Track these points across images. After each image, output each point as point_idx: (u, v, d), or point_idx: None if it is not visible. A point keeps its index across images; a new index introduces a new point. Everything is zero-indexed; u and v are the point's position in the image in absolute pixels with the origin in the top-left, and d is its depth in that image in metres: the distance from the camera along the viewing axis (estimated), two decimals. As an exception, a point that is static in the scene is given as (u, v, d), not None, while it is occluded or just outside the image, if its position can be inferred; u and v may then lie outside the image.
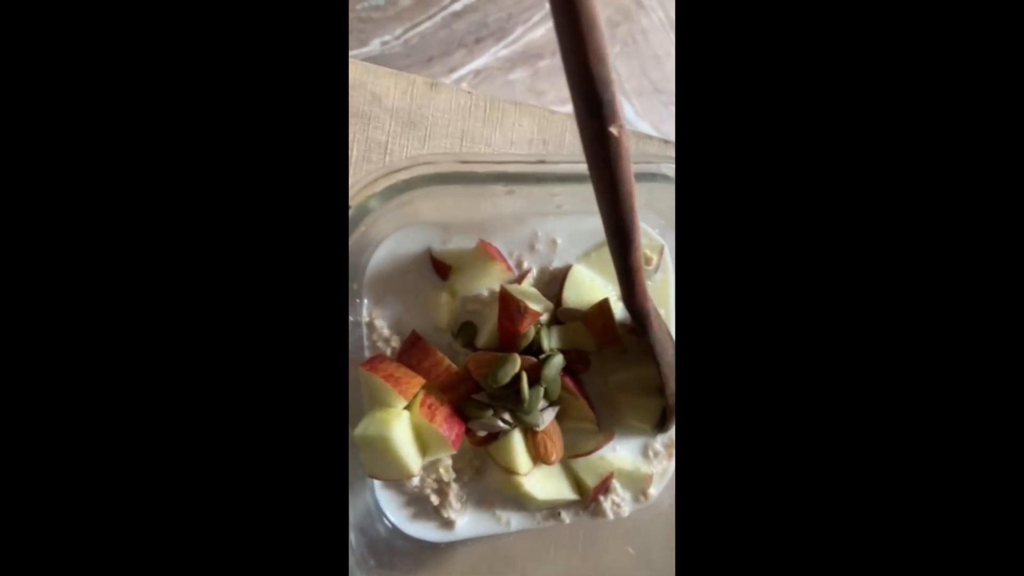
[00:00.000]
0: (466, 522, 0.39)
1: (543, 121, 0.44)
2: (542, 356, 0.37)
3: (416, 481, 0.38)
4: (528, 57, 1.17)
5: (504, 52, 1.18)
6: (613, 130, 0.28)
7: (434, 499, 0.39)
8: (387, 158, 0.42)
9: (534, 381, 0.36)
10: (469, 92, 0.43)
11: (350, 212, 0.31)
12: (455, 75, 1.15)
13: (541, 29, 1.17)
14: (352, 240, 0.32)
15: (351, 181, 0.36)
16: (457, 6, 1.17)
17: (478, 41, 1.18)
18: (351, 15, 1.15)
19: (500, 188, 0.33)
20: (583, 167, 0.30)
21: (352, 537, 0.36)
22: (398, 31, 1.15)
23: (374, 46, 1.15)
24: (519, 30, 1.18)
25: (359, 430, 0.34)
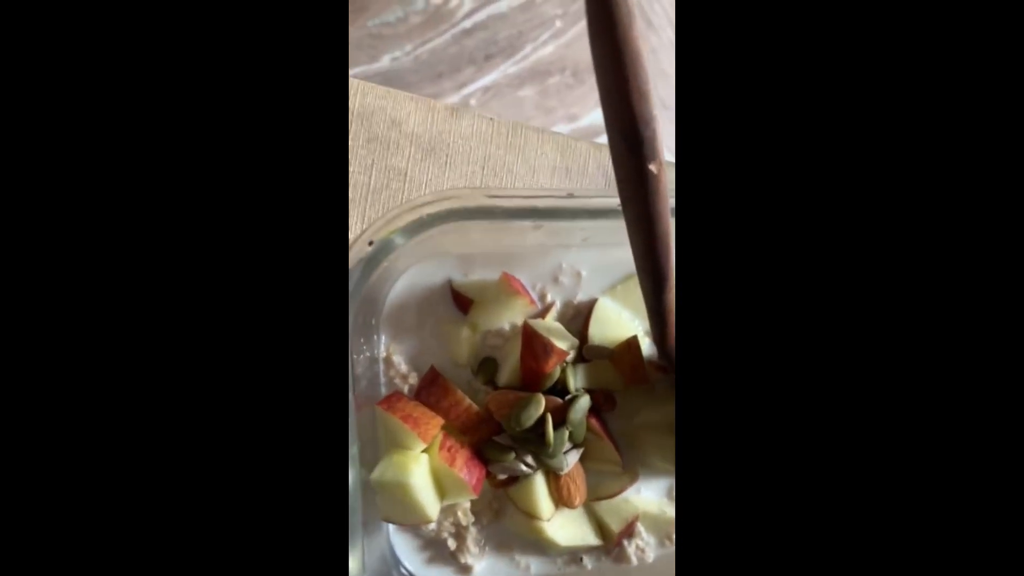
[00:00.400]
0: (484, 567, 0.38)
1: (566, 149, 0.43)
2: (568, 397, 0.35)
3: (433, 525, 0.36)
4: (537, 74, 1.17)
5: (513, 69, 1.18)
6: (652, 168, 0.26)
7: (451, 543, 0.37)
8: (407, 185, 0.40)
9: (559, 423, 0.34)
10: (491, 119, 0.42)
11: (371, 247, 0.30)
12: (464, 91, 1.15)
13: (551, 46, 1.17)
14: (375, 276, 0.31)
15: (371, 211, 0.34)
16: (467, 23, 1.17)
17: (488, 58, 1.18)
18: (363, 32, 1.15)
19: (527, 224, 0.31)
20: (613, 201, 0.28)
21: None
22: (408, 47, 1.15)
23: (384, 62, 1.15)
24: (528, 47, 1.18)
25: (376, 474, 0.33)
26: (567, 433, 0.34)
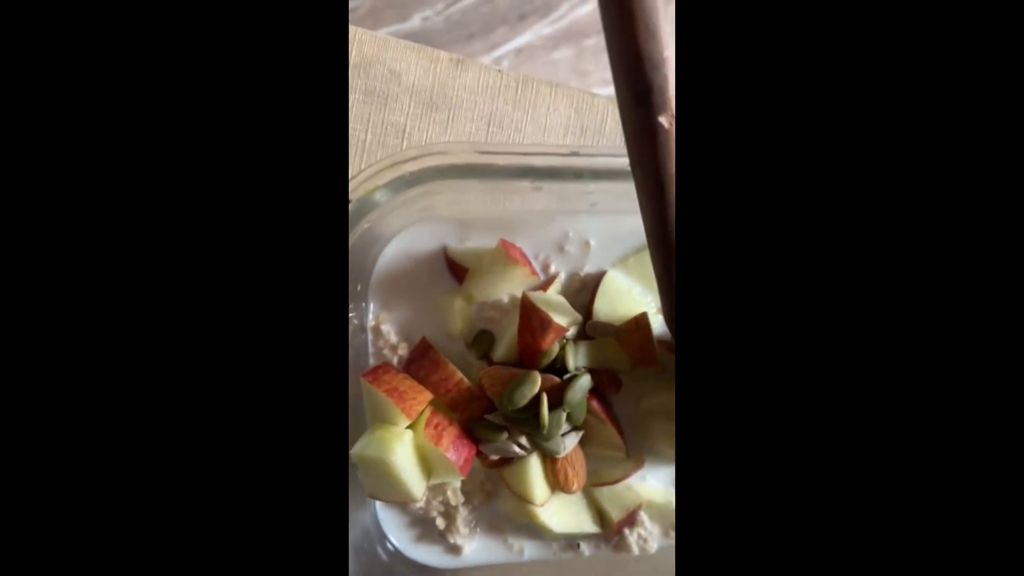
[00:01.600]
0: (474, 548, 0.36)
1: (581, 105, 0.39)
2: (566, 376, 0.32)
3: (421, 503, 0.35)
4: (573, 35, 1.12)
5: (548, 30, 1.13)
6: (663, 120, 0.23)
7: (440, 523, 0.35)
8: (404, 143, 0.37)
9: (556, 404, 0.32)
10: (499, 71, 0.38)
11: (351, 206, 0.27)
12: (496, 52, 1.11)
13: (588, 5, 1.11)
14: (354, 237, 0.28)
15: (360, 168, 0.32)
16: (501, -20, 1.12)
17: (521, 18, 1.13)
18: (392, -11, 1.11)
19: (525, 184, 0.28)
20: (624, 161, 0.25)
21: (350, 560, 0.32)
22: (439, 6, 1.11)
23: (415, 21, 1.11)
24: (564, 6, 1.12)
25: (356, 449, 0.31)
26: (564, 415, 0.32)
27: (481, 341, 0.34)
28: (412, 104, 0.38)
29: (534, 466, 0.33)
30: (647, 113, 0.22)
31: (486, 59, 1.10)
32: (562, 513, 0.35)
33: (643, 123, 0.23)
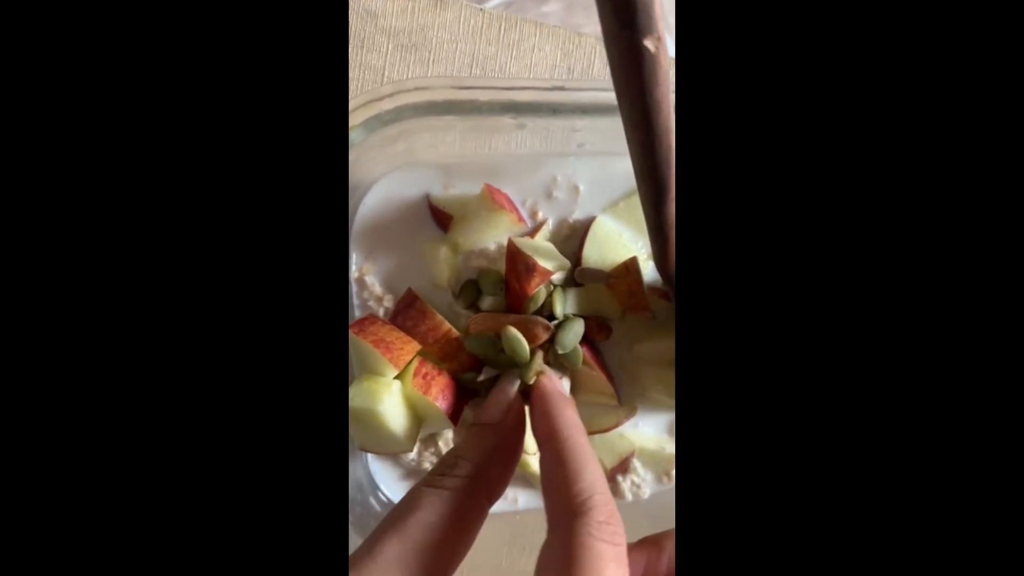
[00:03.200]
0: (468, 499, 0.36)
1: (568, 44, 0.38)
2: (556, 322, 0.32)
3: (413, 455, 0.34)
4: (563, -14, 1.08)
5: (537, -19, 1.09)
6: (649, 44, 0.21)
7: (432, 474, 0.35)
8: (383, 87, 0.36)
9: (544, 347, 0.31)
10: (481, 9, 0.36)
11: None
12: (485, 5, 1.07)
13: (578, -46, 1.07)
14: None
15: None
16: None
17: (508, -32, 1.09)
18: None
19: (508, 120, 0.27)
20: (612, 95, 0.24)
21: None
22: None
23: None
24: (553, -44, 1.08)
25: (344, 400, 0.30)
26: (541, 355, 0.31)
27: (468, 291, 0.33)
28: (391, 46, 0.36)
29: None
30: (631, 36, 0.21)
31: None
32: (554, 461, 0.35)
33: (627, 47, 0.21)
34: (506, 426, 0.24)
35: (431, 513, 0.21)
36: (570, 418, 0.25)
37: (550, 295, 0.32)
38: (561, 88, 0.27)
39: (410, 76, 0.36)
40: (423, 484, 0.22)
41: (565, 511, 0.21)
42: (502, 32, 0.37)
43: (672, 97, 0.22)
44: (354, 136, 0.26)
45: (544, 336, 0.30)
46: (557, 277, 0.32)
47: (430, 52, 0.36)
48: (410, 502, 0.21)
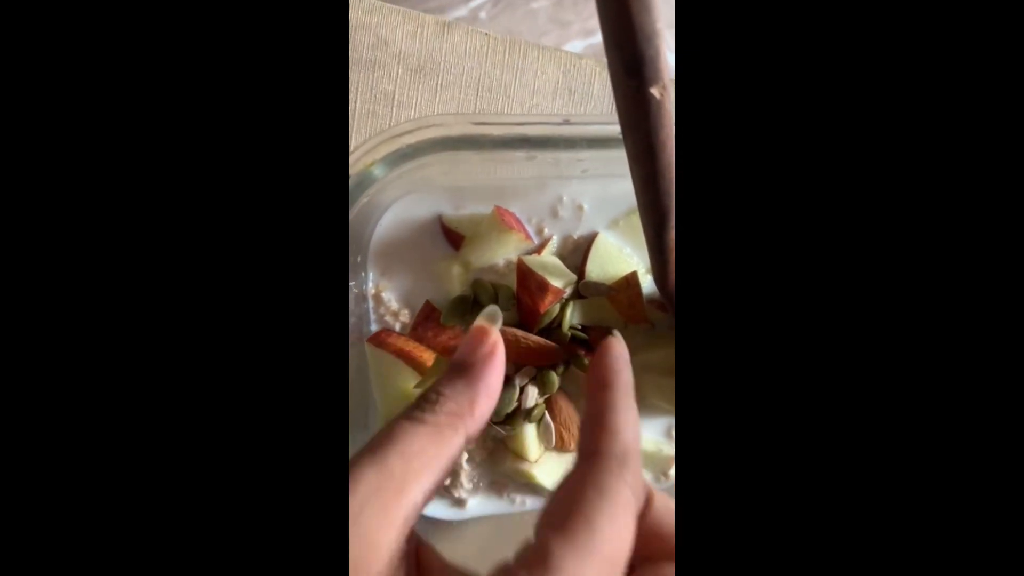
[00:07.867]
0: (477, 501, 0.38)
1: (569, 67, 0.39)
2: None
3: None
4: (552, -16, 1.09)
5: (526, -22, 1.09)
6: (655, 92, 0.23)
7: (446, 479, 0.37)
8: (394, 110, 0.37)
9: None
10: (485, 34, 0.38)
11: (351, 182, 0.28)
12: (473, 3, 1.07)
13: (567, -46, 1.07)
14: (354, 212, 0.29)
15: (357, 139, 0.32)
16: (477, -77, 1.08)
17: (499, -34, 1.09)
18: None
19: (520, 154, 0.29)
20: (615, 128, 0.26)
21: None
22: (415, -46, 1.06)
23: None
24: (543, -49, 1.08)
25: (386, 413, 0.32)
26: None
27: (458, 306, 0.35)
28: (401, 71, 0.37)
29: (529, 429, 0.35)
30: (639, 85, 0.23)
31: (463, 10, 1.07)
32: (557, 471, 0.37)
33: (635, 94, 0.23)
34: (484, 364, 0.23)
35: (409, 444, 0.20)
36: (630, 380, 0.25)
37: (561, 308, 0.34)
38: (568, 122, 0.29)
39: (420, 100, 0.38)
40: (403, 418, 0.21)
41: (604, 449, 0.21)
42: (506, 55, 0.39)
43: (673, 136, 0.24)
44: (377, 171, 0.28)
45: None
46: (566, 292, 0.34)
47: (439, 76, 0.38)
48: (388, 433, 0.21)
